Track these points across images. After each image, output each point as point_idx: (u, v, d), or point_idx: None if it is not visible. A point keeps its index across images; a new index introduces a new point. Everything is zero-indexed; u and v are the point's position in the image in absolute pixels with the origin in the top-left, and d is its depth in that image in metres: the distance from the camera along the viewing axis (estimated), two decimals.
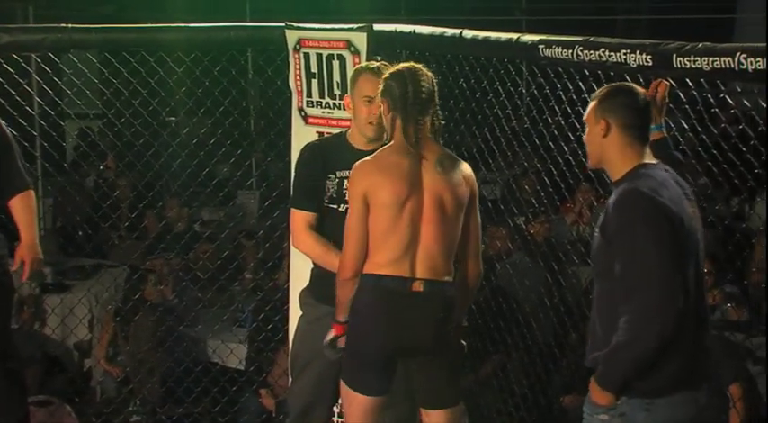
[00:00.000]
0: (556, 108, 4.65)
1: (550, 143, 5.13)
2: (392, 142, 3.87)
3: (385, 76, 3.92)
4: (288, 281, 5.24)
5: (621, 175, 3.30)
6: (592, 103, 3.37)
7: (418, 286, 3.76)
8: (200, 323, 6.56)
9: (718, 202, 7.76)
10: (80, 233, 8.12)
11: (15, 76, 5.44)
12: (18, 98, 5.52)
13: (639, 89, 3.38)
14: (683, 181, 3.40)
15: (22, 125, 5.64)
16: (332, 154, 4.27)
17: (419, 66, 3.90)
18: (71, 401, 5.82)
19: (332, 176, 4.23)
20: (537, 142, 5.35)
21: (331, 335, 3.97)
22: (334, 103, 5.00)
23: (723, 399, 3.41)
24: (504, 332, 5.43)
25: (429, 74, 3.91)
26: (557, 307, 5.50)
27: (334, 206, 4.22)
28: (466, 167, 3.92)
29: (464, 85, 5.19)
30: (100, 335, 6.62)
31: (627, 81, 3.61)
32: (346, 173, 4.12)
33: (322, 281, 4.20)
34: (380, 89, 3.90)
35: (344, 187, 4.17)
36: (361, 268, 3.80)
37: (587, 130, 3.38)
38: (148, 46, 5.35)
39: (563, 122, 4.67)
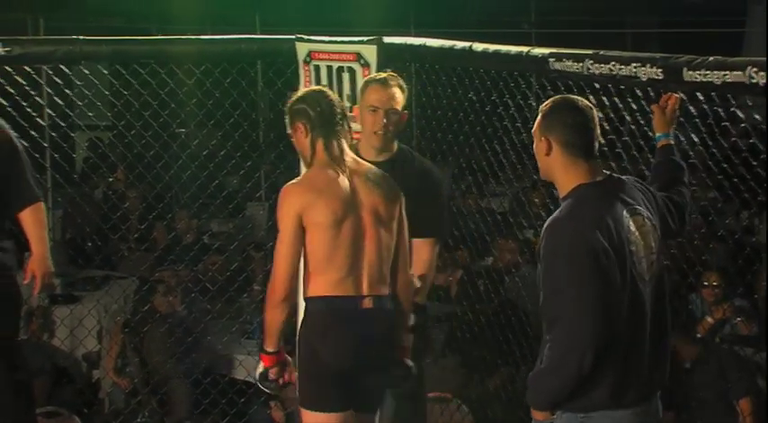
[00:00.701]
0: None
1: None
2: (315, 163, 3.85)
3: (291, 101, 3.92)
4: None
5: (565, 192, 3.24)
6: (537, 118, 3.30)
7: (368, 303, 3.79)
8: (210, 335, 6.57)
9: (729, 216, 7.74)
10: (89, 244, 8.13)
11: (26, 87, 5.46)
12: (29, 110, 5.54)
13: (582, 103, 3.27)
14: (647, 191, 3.33)
15: (33, 137, 5.66)
16: None
17: (323, 87, 4.03)
18: (80, 413, 5.82)
19: None
20: None
21: (261, 368, 3.96)
22: (350, 117, 5.00)
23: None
24: (513, 345, 5.42)
25: (334, 94, 3.97)
26: None
27: None
28: (390, 179, 3.92)
29: (473, 97, 5.20)
30: (109, 346, 6.62)
31: (637, 94, 3.62)
32: None
33: None
34: (291, 115, 3.90)
35: None
36: (291, 291, 3.77)
37: (534, 143, 3.31)
38: (159, 58, 5.37)
39: None
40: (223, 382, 6.13)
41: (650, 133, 3.78)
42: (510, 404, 5.50)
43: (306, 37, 5.20)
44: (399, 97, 4.25)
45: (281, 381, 3.96)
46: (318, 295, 3.78)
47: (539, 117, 3.29)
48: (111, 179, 8.79)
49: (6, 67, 5.25)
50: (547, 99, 3.36)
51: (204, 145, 7.28)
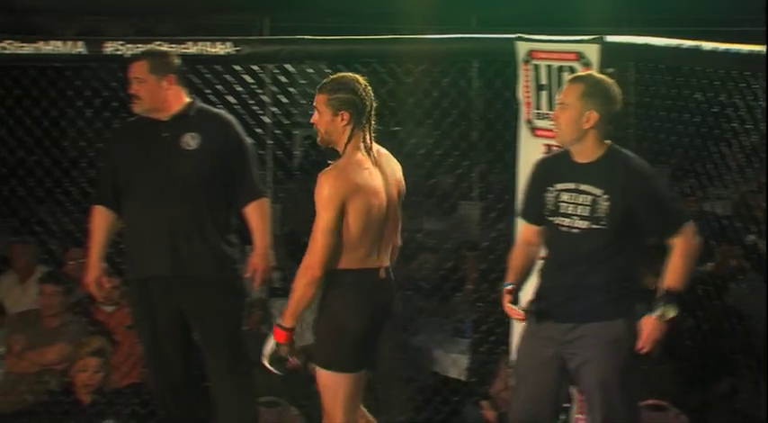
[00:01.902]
0: None
1: None
2: (350, 151, 4.14)
3: (336, 88, 4.16)
4: None
5: None
6: None
7: (383, 274, 4.20)
8: (422, 333, 6.60)
9: None
10: (306, 239, 8.29)
11: (252, 86, 5.63)
12: (255, 108, 5.71)
13: None
14: None
15: (258, 134, 5.83)
16: (554, 167, 4.28)
17: (357, 76, 4.21)
18: (298, 404, 5.95)
19: (550, 189, 4.21)
20: None
21: (272, 343, 4.20)
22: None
23: None
24: (737, 354, 5.22)
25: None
26: None
27: (551, 219, 4.20)
28: (397, 164, 4.34)
29: (699, 97, 5.04)
30: None
31: None
32: (562, 185, 4.18)
33: (540, 293, 4.21)
34: (338, 103, 4.13)
35: (560, 200, 4.18)
36: (327, 271, 4.11)
37: None
38: (380, 57, 5.45)
39: None
40: (435, 380, 6.16)
41: None
42: (732, 415, 5.31)
43: (526, 36, 5.16)
44: (572, 95, 4.16)
45: (289, 362, 4.24)
46: (349, 268, 4.13)
47: None
48: None
49: (235, 67, 5.44)
50: None
51: (421, 144, 7.32)
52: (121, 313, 5.93)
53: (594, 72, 4.55)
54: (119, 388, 5.80)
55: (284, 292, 7.14)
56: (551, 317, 4.18)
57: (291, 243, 8.20)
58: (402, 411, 6.13)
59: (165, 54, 4.87)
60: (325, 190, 4.12)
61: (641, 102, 5.43)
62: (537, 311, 4.23)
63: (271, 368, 4.24)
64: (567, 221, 4.15)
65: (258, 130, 5.86)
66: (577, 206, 4.14)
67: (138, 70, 4.74)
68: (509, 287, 4.23)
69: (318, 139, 4.22)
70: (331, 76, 4.25)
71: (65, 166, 7.07)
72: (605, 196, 4.09)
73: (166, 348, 4.82)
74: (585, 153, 4.17)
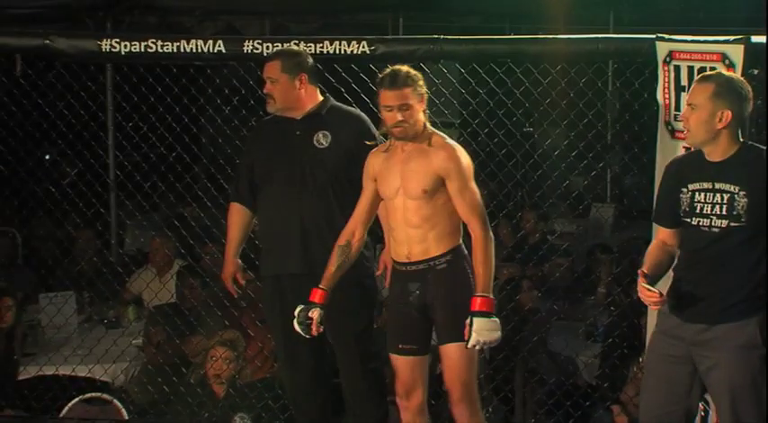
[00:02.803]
0: None
1: None
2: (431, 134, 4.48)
3: (418, 78, 4.42)
4: None
5: None
6: None
7: None
8: (555, 335, 6.54)
9: None
10: None
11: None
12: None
13: None
14: None
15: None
16: (686, 168, 4.21)
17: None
18: (429, 403, 5.94)
19: (684, 190, 4.15)
20: None
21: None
22: None
23: None
24: None
25: None
26: None
27: (687, 220, 4.13)
28: None
29: None
30: None
31: None
32: (697, 185, 4.12)
33: (674, 292, 4.13)
34: (420, 95, 4.41)
35: (696, 200, 4.11)
36: None
37: None
38: (516, 57, 5.41)
39: None
40: (567, 384, 6.09)
41: None
42: None
43: (667, 36, 5.05)
44: (699, 96, 4.10)
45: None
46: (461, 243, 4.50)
47: None
48: None
49: (371, 66, 5.46)
50: None
51: (555, 145, 7.25)
52: (255, 308, 6.01)
53: (723, 71, 4.45)
54: (251, 382, 5.88)
55: None
56: (684, 316, 4.13)
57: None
58: (532, 414, 6.09)
59: (297, 53, 4.92)
60: (467, 161, 4.42)
61: None
62: (670, 310, 4.17)
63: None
64: (705, 221, 4.09)
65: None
66: (714, 205, 4.08)
67: (272, 70, 4.81)
68: (644, 270, 4.14)
69: (402, 131, 4.40)
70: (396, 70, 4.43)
71: (203, 164, 7.23)
72: (742, 193, 4.03)
73: (298, 345, 4.87)
74: (719, 152, 4.10)
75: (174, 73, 5.78)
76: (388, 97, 4.38)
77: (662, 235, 4.31)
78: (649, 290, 4.06)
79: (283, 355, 5.03)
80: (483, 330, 4.28)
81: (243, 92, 6.02)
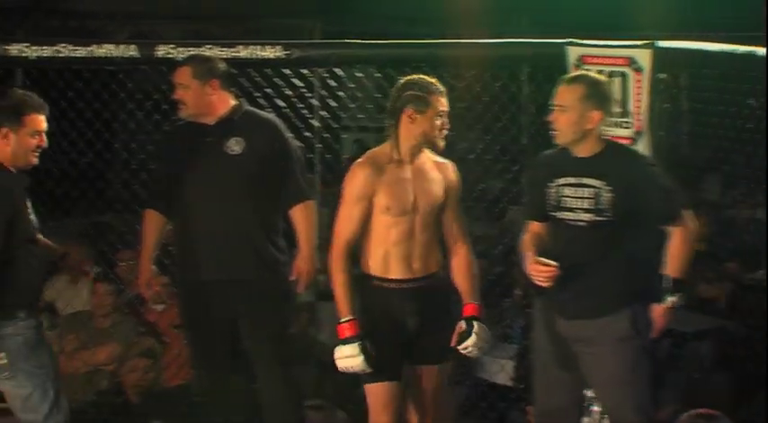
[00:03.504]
0: None
1: None
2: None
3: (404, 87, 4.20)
4: None
5: None
6: None
7: None
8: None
9: None
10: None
11: (302, 90, 5.65)
12: (304, 111, 5.73)
13: None
14: None
15: (307, 137, 5.84)
16: (554, 163, 4.32)
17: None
18: (344, 407, 5.95)
19: (551, 184, 4.26)
20: None
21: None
22: (614, 121, 4.90)
23: None
24: None
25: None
26: None
27: (555, 214, 4.25)
28: None
29: (753, 103, 4.99)
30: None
31: None
32: (563, 180, 4.22)
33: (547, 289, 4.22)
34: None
35: (562, 194, 4.22)
36: None
37: None
38: (431, 61, 5.43)
39: None
40: (484, 386, 6.13)
41: None
42: None
43: (578, 41, 5.13)
44: (568, 98, 4.21)
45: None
46: None
47: None
48: None
49: (284, 70, 5.46)
50: None
51: (471, 148, 7.30)
52: (171, 314, 5.96)
53: (587, 72, 4.55)
54: (167, 388, 5.83)
55: (332, 295, 7.18)
56: (560, 313, 4.23)
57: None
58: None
59: (208, 59, 4.88)
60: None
61: (694, 107, 5.39)
62: (546, 308, 4.28)
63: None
64: (571, 215, 4.19)
65: (307, 134, 5.87)
66: (580, 200, 4.18)
67: (182, 76, 4.77)
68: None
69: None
70: None
71: (116, 169, 7.16)
72: (607, 188, 4.13)
73: (215, 350, 4.84)
74: (586, 149, 4.21)
75: (86, 78, 5.72)
76: (443, 103, 4.27)
77: (534, 228, 4.40)
78: (545, 262, 4.11)
79: (200, 361, 5.00)
80: (481, 335, 4.28)
81: (156, 97, 5.96)
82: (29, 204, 4.39)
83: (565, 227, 4.20)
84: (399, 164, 4.23)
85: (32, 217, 4.41)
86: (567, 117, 4.16)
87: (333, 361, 6.80)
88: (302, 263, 4.86)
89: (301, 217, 4.88)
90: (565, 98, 4.18)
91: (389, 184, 4.21)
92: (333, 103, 6.15)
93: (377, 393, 4.28)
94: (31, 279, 4.38)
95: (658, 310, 4.24)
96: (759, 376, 5.41)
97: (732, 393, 5.65)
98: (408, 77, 4.26)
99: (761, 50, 4.42)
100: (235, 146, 4.77)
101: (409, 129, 4.19)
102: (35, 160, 4.40)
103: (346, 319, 4.20)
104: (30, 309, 4.38)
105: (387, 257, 4.27)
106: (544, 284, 4.14)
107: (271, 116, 5.00)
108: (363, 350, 4.15)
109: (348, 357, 4.17)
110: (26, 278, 4.33)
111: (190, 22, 9.01)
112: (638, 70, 4.80)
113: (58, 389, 4.42)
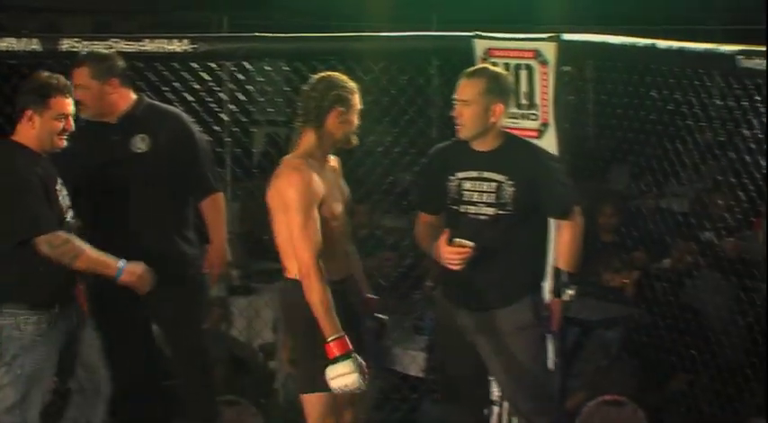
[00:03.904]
0: (753, 120, 4.51)
1: (746, 157, 4.96)
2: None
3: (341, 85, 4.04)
4: None
5: None
6: None
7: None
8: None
9: None
10: (266, 237, 8.26)
11: (210, 83, 5.61)
12: (213, 105, 5.69)
13: None
14: None
15: (216, 132, 5.80)
16: (453, 156, 4.36)
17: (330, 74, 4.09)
18: (257, 403, 5.94)
19: (451, 178, 4.29)
20: (731, 155, 5.19)
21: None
22: (521, 114, 4.96)
23: None
24: (693, 350, 5.28)
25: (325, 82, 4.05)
26: (750, 326, 5.30)
27: (455, 208, 4.28)
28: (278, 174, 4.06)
29: (655, 95, 5.09)
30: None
31: None
32: (465, 174, 4.27)
33: (448, 281, 4.33)
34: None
35: (464, 188, 4.27)
36: None
37: None
38: (339, 54, 5.43)
39: (761, 135, 4.51)
40: (396, 378, 6.16)
41: None
42: (689, 411, 5.36)
43: (484, 34, 5.17)
44: (471, 92, 4.21)
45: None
46: None
47: None
48: None
49: (192, 64, 5.41)
50: (733, 98, 3.26)
51: (380, 141, 7.32)
52: None
53: (488, 65, 4.61)
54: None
55: (244, 290, 7.15)
56: (462, 305, 4.29)
57: (249, 241, 8.19)
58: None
59: (105, 58, 4.74)
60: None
61: (599, 99, 5.47)
62: (448, 300, 4.34)
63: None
64: (473, 209, 4.23)
65: (216, 128, 5.83)
66: (483, 194, 4.22)
67: (80, 77, 4.64)
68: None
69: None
70: None
71: None
72: (510, 182, 4.18)
73: (127, 347, 4.79)
74: (487, 143, 4.25)
75: None
76: (359, 101, 4.18)
77: (427, 219, 4.44)
78: (462, 243, 4.12)
79: (112, 359, 4.93)
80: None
81: None
82: (61, 188, 4.28)
83: (467, 220, 4.22)
84: (322, 163, 4.13)
85: (64, 202, 4.30)
86: (471, 110, 4.19)
87: (244, 356, 6.86)
88: (214, 256, 4.84)
89: (211, 210, 4.85)
90: (467, 92, 4.21)
91: (326, 189, 4.07)
92: (242, 97, 6.10)
93: (315, 403, 4.09)
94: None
95: (557, 304, 4.32)
96: (663, 363, 5.53)
97: (638, 380, 5.77)
98: (326, 75, 4.14)
99: (660, 43, 4.51)
100: (140, 143, 4.70)
101: (338, 127, 4.07)
102: (62, 143, 4.27)
103: (335, 336, 3.89)
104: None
105: (328, 259, 4.06)
106: (456, 267, 4.13)
107: (174, 109, 4.94)
108: (357, 366, 3.91)
109: (343, 376, 3.89)
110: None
111: (95, 16, 8.88)
112: (544, 63, 4.86)
113: None
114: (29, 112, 4.24)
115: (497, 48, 5.07)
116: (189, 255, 4.80)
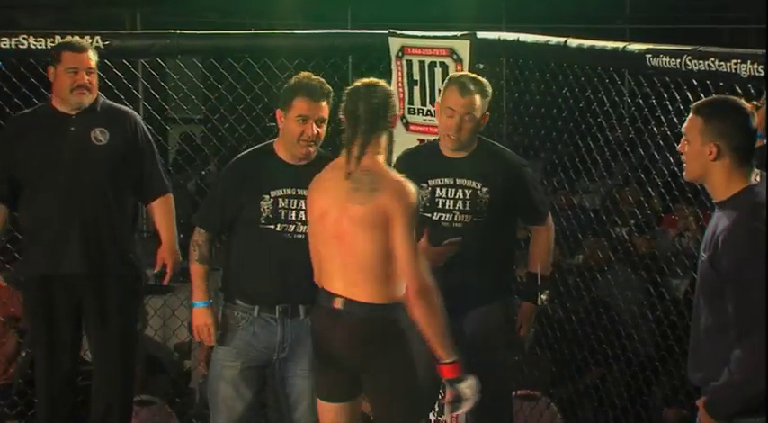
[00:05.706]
0: (662, 118, 4.59)
1: (655, 153, 5.06)
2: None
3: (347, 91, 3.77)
4: None
5: (726, 197, 3.15)
6: (697, 121, 3.16)
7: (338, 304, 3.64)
8: None
9: None
10: (182, 236, 8.21)
11: (124, 81, 5.56)
12: (126, 103, 5.63)
13: (745, 104, 3.20)
14: None
15: None
16: (424, 162, 4.31)
17: (375, 81, 3.74)
18: (172, 402, 5.90)
19: (423, 185, 4.21)
20: (641, 153, 5.29)
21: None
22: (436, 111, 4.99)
23: None
24: (605, 344, 5.36)
25: (383, 90, 3.71)
26: (659, 320, 5.41)
27: (428, 215, 4.22)
28: (388, 184, 3.61)
29: (567, 93, 5.15)
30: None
31: (737, 92, 3.54)
32: (438, 181, 4.22)
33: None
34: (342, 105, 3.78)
35: (437, 195, 4.23)
36: None
37: (689, 145, 3.18)
38: (254, 52, 5.43)
39: (669, 133, 4.60)
40: None
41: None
42: (600, 404, 5.45)
43: (399, 32, 5.20)
44: (478, 104, 4.18)
45: None
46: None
47: (698, 120, 3.16)
48: (203, 172, 8.89)
49: (105, 61, 5.34)
50: (642, 96, 3.32)
51: None
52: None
53: (452, 65, 4.63)
54: None
55: (159, 289, 7.09)
56: None
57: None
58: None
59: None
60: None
61: (513, 97, 5.53)
62: None
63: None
64: (447, 217, 4.21)
65: None
66: (457, 201, 4.20)
67: (92, 61, 4.65)
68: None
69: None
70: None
71: None
72: (485, 189, 4.17)
73: (63, 344, 4.73)
74: (462, 149, 4.23)
75: None
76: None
77: None
78: (454, 241, 4.08)
79: (46, 356, 4.83)
80: None
81: None
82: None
83: (441, 228, 4.18)
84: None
85: None
86: (474, 125, 4.18)
87: (159, 355, 6.80)
88: (166, 254, 4.84)
89: (163, 209, 4.86)
90: (474, 106, 4.15)
91: None
92: (156, 95, 6.04)
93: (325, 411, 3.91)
94: None
95: (531, 308, 4.35)
96: (576, 357, 5.62)
97: (551, 374, 5.85)
98: (368, 81, 3.80)
99: (572, 41, 4.57)
100: (100, 136, 4.68)
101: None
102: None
103: (451, 360, 3.61)
104: None
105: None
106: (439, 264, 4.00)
107: (129, 109, 4.91)
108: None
109: (468, 399, 3.63)
110: None
111: (1, 11, 8.72)
112: (458, 61, 4.90)
113: None
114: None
115: (412, 46, 5.10)
116: (135, 253, 4.80)
